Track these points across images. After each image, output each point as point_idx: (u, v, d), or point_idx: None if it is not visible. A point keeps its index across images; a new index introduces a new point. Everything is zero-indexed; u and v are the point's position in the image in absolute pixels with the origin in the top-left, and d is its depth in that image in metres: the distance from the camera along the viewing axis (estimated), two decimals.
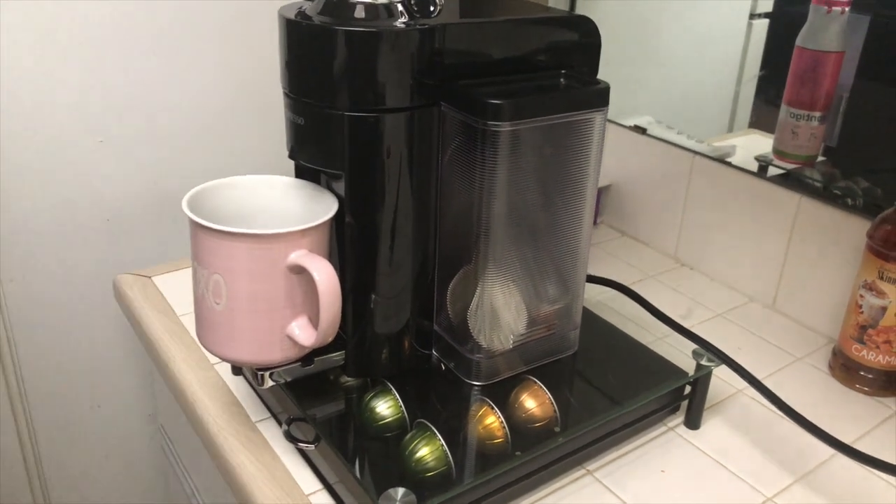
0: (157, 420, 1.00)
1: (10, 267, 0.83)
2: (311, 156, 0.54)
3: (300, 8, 0.53)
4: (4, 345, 0.87)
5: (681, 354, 0.65)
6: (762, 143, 0.84)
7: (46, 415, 0.92)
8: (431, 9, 0.50)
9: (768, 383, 0.65)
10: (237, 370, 0.64)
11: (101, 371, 0.94)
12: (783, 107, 0.80)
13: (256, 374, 0.55)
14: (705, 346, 0.64)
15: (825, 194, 0.77)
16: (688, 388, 0.64)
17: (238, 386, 0.65)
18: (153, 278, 0.81)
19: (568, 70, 0.59)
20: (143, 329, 0.74)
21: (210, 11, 0.86)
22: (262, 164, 0.96)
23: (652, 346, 0.67)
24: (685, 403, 0.64)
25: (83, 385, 0.94)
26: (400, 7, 0.51)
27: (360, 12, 0.50)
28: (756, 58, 0.86)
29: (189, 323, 0.73)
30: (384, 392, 0.58)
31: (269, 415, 0.62)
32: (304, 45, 0.50)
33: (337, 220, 0.54)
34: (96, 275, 0.89)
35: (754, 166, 0.84)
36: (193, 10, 0.85)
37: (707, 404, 0.64)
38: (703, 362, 0.62)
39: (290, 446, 0.58)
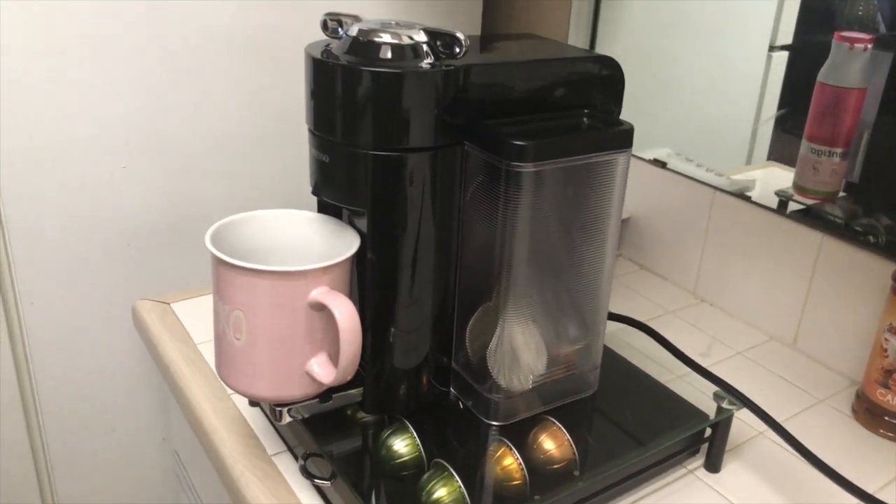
0: (170, 444, 1.00)
1: (31, 290, 0.84)
2: (334, 193, 0.54)
3: (327, 46, 0.53)
4: (23, 367, 0.87)
5: (701, 395, 0.64)
6: (781, 177, 0.84)
7: (62, 438, 0.93)
8: (457, 50, 0.50)
9: (790, 426, 0.64)
10: (254, 402, 0.64)
11: (118, 395, 0.94)
12: (804, 142, 0.80)
13: (274, 410, 0.55)
14: (726, 389, 0.63)
15: (847, 231, 0.76)
16: (708, 431, 0.63)
17: (255, 418, 0.65)
18: (172, 305, 0.81)
19: (591, 109, 0.58)
20: (160, 356, 0.74)
21: (236, 41, 0.87)
22: (282, 193, 0.96)
23: (672, 385, 0.66)
24: (705, 446, 0.63)
25: (100, 408, 0.94)
26: (426, 48, 0.51)
27: (386, 52, 0.50)
28: (775, 89, 0.86)
29: (206, 351, 0.73)
30: (401, 430, 0.57)
31: (285, 448, 0.62)
32: (330, 85, 0.51)
33: (358, 255, 0.54)
34: (116, 299, 0.89)
35: (774, 200, 0.83)
36: (219, 39, 0.86)
37: (728, 447, 0.63)
38: (725, 405, 0.62)
39: (305, 482, 0.58)
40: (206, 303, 0.82)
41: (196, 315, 0.80)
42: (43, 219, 0.82)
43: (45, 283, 0.85)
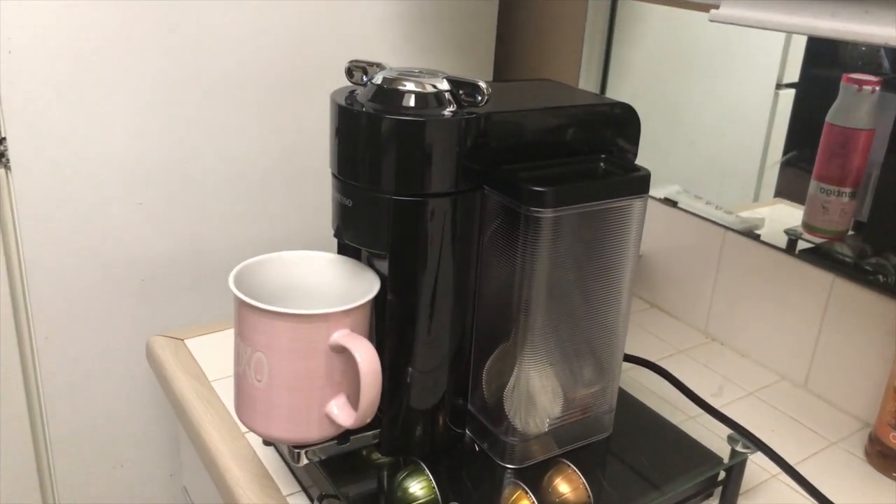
0: (179, 480, 0.99)
1: (46, 325, 0.84)
2: (356, 236, 0.55)
3: (351, 92, 0.54)
4: (35, 401, 0.87)
5: (715, 437, 0.64)
6: (790, 214, 0.84)
7: (70, 473, 0.92)
8: (479, 98, 0.51)
9: (803, 469, 0.64)
10: (268, 441, 0.64)
11: (128, 431, 0.94)
12: (813, 182, 0.81)
13: (292, 452, 0.55)
14: (740, 432, 0.63)
15: (856, 270, 0.77)
16: (722, 474, 0.63)
17: (269, 457, 0.65)
18: (185, 341, 0.81)
19: (607, 154, 0.59)
20: (174, 393, 0.74)
21: (255, 80, 0.88)
22: (297, 230, 0.97)
23: (685, 426, 0.66)
24: (719, 489, 0.63)
25: (110, 444, 0.94)
26: (448, 96, 0.52)
27: (409, 100, 0.51)
28: (782, 126, 0.87)
29: (220, 388, 0.74)
30: (417, 472, 0.57)
31: (299, 488, 0.62)
32: (354, 131, 0.52)
33: (378, 296, 0.54)
34: (130, 335, 0.89)
35: (784, 239, 0.84)
36: (238, 77, 0.87)
37: (741, 489, 0.63)
38: (739, 448, 0.62)
39: None
40: (220, 339, 0.82)
41: (210, 351, 0.80)
42: (58, 254, 0.83)
43: (59, 317, 0.85)
